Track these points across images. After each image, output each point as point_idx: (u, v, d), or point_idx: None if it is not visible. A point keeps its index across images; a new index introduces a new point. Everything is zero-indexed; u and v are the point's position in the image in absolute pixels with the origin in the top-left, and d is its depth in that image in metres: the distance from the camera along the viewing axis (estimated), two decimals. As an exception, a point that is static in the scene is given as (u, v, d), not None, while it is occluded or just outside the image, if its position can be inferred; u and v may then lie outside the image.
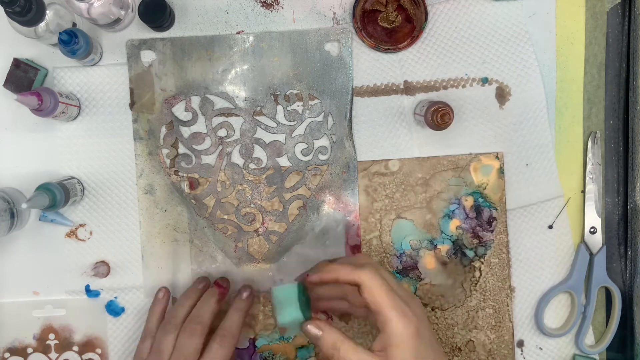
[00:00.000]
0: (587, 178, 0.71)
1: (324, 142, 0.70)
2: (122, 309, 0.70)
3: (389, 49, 0.68)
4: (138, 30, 0.68)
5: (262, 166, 0.69)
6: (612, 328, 0.71)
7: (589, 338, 0.72)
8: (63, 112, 0.64)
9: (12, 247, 0.69)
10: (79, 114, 0.68)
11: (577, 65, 0.71)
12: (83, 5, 0.60)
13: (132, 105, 0.69)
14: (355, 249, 0.70)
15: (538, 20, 0.70)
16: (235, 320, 0.64)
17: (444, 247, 0.71)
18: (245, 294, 0.67)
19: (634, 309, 0.71)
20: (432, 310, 0.71)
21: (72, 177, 0.68)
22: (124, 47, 0.68)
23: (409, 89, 0.70)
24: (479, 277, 0.71)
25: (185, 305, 0.64)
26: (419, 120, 0.68)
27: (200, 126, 0.69)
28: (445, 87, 0.70)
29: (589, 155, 0.71)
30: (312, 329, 0.57)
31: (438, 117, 0.63)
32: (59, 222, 0.69)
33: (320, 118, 0.69)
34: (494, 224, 0.71)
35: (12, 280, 0.70)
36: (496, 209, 0.70)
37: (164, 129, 0.69)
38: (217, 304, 0.65)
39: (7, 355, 0.70)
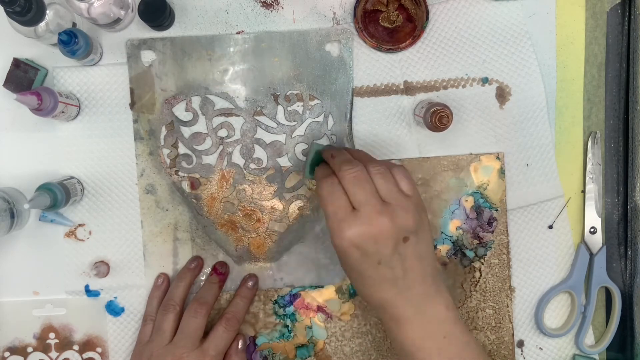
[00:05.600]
0: (587, 178, 0.71)
1: (324, 142, 0.69)
2: (122, 309, 0.70)
3: (390, 48, 0.68)
4: (138, 30, 0.68)
5: (263, 166, 0.69)
6: (612, 328, 0.71)
7: (589, 338, 0.72)
8: (63, 112, 0.64)
9: (12, 247, 0.69)
10: (78, 113, 0.68)
11: (577, 65, 0.71)
12: (83, 5, 0.60)
13: (132, 105, 0.69)
14: (356, 248, 0.70)
15: (538, 20, 0.70)
16: (241, 306, 0.68)
17: (444, 248, 0.71)
18: (250, 283, 0.70)
19: (634, 309, 0.71)
20: (432, 310, 0.71)
21: (72, 177, 0.68)
22: (124, 47, 0.68)
23: (409, 89, 0.70)
24: (479, 278, 0.71)
25: (180, 286, 0.68)
26: (419, 121, 0.68)
27: (200, 126, 0.69)
28: (445, 87, 0.70)
29: (589, 155, 0.71)
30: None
31: (437, 119, 0.63)
32: (58, 222, 0.69)
33: (320, 118, 0.69)
34: (494, 224, 0.71)
35: (12, 280, 0.70)
36: (496, 210, 0.70)
37: (164, 129, 0.69)
38: (219, 288, 0.69)
39: (7, 354, 0.70)
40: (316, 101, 0.69)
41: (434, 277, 0.59)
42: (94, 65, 0.68)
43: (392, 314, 0.58)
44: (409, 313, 0.57)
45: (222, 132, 0.69)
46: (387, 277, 0.57)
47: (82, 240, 0.70)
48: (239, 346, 0.68)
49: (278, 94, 0.69)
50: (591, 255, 0.71)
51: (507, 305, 0.71)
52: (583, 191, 0.72)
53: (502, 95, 0.71)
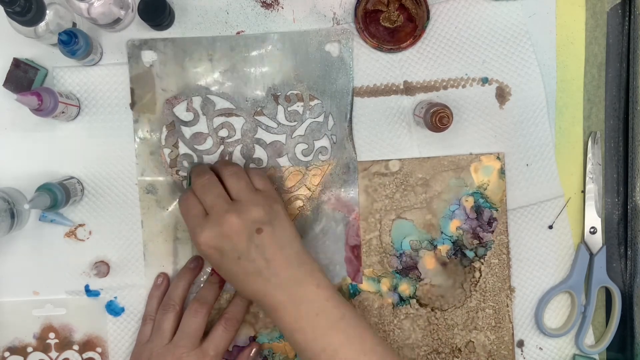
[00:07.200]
0: (587, 178, 0.71)
1: (324, 142, 0.70)
2: (122, 309, 0.70)
3: (391, 48, 0.68)
4: (138, 30, 0.68)
5: (263, 166, 0.69)
6: (612, 328, 0.71)
7: (589, 338, 0.72)
8: (63, 112, 0.64)
9: (12, 247, 0.69)
10: (78, 113, 0.68)
11: (577, 65, 0.71)
12: (83, 5, 0.60)
13: (132, 105, 0.69)
14: (355, 249, 0.70)
15: (538, 20, 0.70)
16: (240, 307, 0.68)
17: (444, 248, 0.71)
18: None
19: (634, 309, 0.71)
20: (432, 310, 0.71)
21: (72, 177, 0.68)
22: (124, 47, 0.68)
23: (409, 89, 0.70)
24: (479, 278, 0.71)
25: (179, 286, 0.68)
26: (419, 121, 0.68)
27: (201, 126, 0.69)
28: (445, 87, 0.70)
29: (589, 155, 0.71)
30: None
31: (436, 119, 0.63)
32: (58, 222, 0.69)
33: (320, 119, 0.69)
34: (494, 224, 0.71)
35: (12, 280, 0.69)
36: (497, 210, 0.71)
37: (165, 129, 0.69)
38: (219, 288, 0.69)
39: (7, 354, 0.70)
40: (316, 101, 0.69)
41: (300, 261, 0.61)
42: (94, 65, 0.68)
43: (267, 303, 0.61)
44: (281, 299, 0.60)
45: (223, 132, 0.69)
46: (250, 270, 0.60)
47: (82, 240, 0.70)
48: (251, 354, 0.69)
49: (278, 94, 0.69)
50: (591, 255, 0.71)
51: (507, 305, 0.71)
52: (583, 191, 0.72)
53: (502, 95, 0.71)
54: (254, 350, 0.69)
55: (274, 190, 0.64)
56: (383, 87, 0.70)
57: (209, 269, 0.70)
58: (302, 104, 0.69)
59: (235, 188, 0.62)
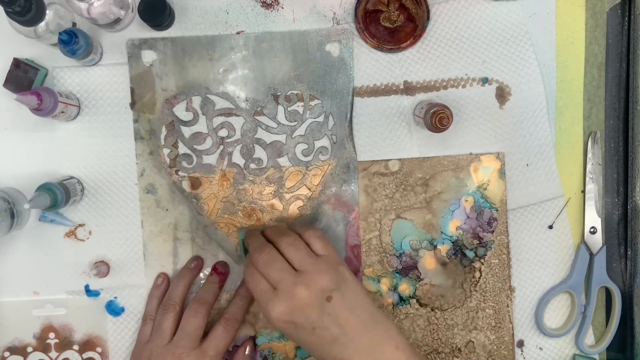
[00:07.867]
0: (587, 178, 0.71)
1: (324, 142, 0.70)
2: (122, 309, 0.70)
3: (392, 48, 0.68)
4: (138, 30, 0.68)
5: (263, 166, 0.69)
6: (612, 328, 0.71)
7: (589, 338, 0.72)
8: (62, 112, 0.64)
9: (12, 247, 0.69)
10: (78, 113, 0.68)
11: (577, 65, 0.71)
12: (83, 5, 0.60)
13: (132, 105, 0.69)
14: (355, 248, 0.70)
15: (538, 20, 0.70)
16: (240, 306, 0.68)
17: (444, 248, 0.71)
18: None
19: (634, 309, 0.71)
20: (432, 310, 0.71)
21: (72, 177, 0.68)
22: (124, 46, 0.68)
23: (409, 89, 0.70)
24: (479, 278, 0.71)
25: (179, 285, 0.68)
26: (419, 122, 0.68)
27: (201, 126, 0.69)
28: (445, 87, 0.70)
29: (589, 155, 0.71)
30: None
31: (437, 120, 0.63)
32: (58, 222, 0.69)
33: (320, 118, 0.69)
34: (494, 224, 0.71)
35: (12, 280, 0.70)
36: (496, 210, 0.71)
37: (164, 129, 0.69)
38: (219, 288, 0.69)
39: (7, 354, 0.70)
40: (316, 101, 0.69)
41: (375, 322, 0.60)
42: (94, 65, 0.68)
43: None
44: None
45: (223, 132, 0.69)
46: (327, 339, 0.59)
47: (82, 240, 0.70)
48: (246, 352, 0.69)
49: (278, 94, 0.69)
50: (591, 255, 0.71)
51: (507, 305, 0.71)
52: (583, 191, 0.72)
53: (502, 95, 0.71)
54: (247, 348, 0.69)
55: (334, 251, 0.63)
56: (383, 87, 0.70)
57: (208, 269, 0.70)
58: (302, 103, 0.69)
59: (296, 259, 0.61)
